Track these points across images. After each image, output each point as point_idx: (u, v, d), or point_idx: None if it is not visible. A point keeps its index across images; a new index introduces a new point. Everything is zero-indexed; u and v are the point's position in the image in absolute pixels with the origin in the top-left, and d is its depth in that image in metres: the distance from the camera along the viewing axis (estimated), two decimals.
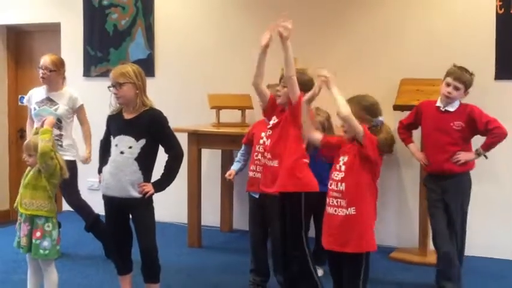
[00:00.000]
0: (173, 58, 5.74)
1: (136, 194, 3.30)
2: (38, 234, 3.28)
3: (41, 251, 3.28)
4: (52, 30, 6.26)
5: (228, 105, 5.14)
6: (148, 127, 3.31)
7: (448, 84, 3.75)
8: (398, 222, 4.95)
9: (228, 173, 3.95)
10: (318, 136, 3.21)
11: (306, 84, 3.37)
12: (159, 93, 4.40)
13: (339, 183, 2.98)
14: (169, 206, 5.06)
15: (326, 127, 3.92)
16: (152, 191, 3.32)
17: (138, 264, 3.45)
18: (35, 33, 6.59)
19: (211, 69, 5.55)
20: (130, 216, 3.43)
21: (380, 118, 3.03)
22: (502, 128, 3.72)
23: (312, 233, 4.02)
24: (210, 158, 5.46)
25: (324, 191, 3.16)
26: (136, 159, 3.29)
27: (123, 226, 3.43)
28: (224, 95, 5.18)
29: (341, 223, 2.95)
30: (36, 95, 4.54)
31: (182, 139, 4.01)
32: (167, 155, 3.38)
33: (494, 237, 4.68)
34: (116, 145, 3.33)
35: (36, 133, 3.38)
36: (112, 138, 3.39)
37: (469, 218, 3.89)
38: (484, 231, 4.62)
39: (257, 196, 3.71)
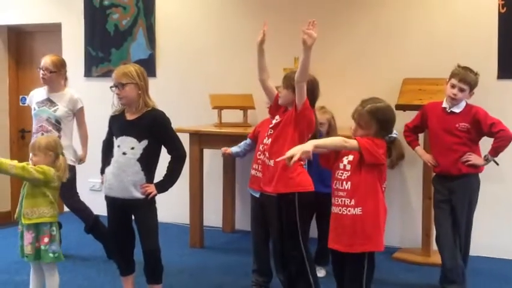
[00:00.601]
0: (175, 58, 5.72)
1: (138, 194, 3.29)
2: (46, 240, 3.29)
3: (51, 255, 3.29)
4: (53, 31, 6.24)
5: (229, 105, 5.13)
6: (150, 128, 3.30)
7: (453, 86, 3.74)
8: (401, 222, 4.93)
9: (224, 148, 4.01)
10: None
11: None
12: (160, 93, 4.40)
13: (344, 182, 2.94)
14: (171, 207, 5.06)
15: (331, 126, 3.99)
16: (154, 192, 3.32)
17: (140, 265, 3.45)
18: (36, 33, 6.58)
19: (212, 69, 5.54)
20: (133, 217, 3.42)
21: (394, 133, 2.97)
22: (507, 130, 3.69)
23: (314, 233, 4.02)
24: (212, 158, 5.44)
25: (325, 192, 3.14)
26: (139, 160, 3.28)
27: (126, 227, 3.42)
28: (226, 95, 5.17)
29: (348, 224, 2.90)
30: (37, 95, 4.52)
31: (184, 139, 4.01)
32: (170, 156, 3.37)
33: (499, 237, 4.67)
34: (119, 146, 3.32)
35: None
36: (114, 139, 3.37)
37: (474, 218, 3.87)
38: (489, 232, 4.60)
39: (258, 195, 3.71)
